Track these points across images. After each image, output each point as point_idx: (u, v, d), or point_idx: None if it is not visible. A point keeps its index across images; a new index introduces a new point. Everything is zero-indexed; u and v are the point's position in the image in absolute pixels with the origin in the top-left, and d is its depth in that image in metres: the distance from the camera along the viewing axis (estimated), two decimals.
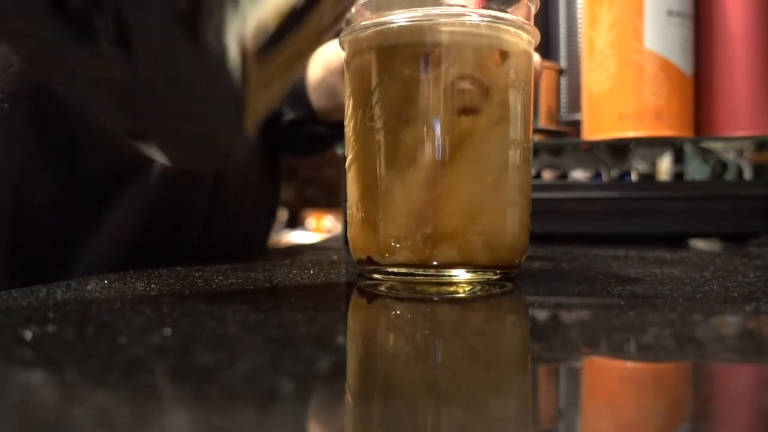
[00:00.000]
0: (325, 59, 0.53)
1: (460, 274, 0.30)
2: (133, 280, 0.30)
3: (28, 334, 0.19)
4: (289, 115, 0.58)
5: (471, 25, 0.29)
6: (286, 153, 0.64)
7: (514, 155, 0.30)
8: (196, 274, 0.33)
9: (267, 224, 0.65)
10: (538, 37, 0.32)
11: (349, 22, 0.32)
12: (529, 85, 0.31)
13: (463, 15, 0.29)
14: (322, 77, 0.54)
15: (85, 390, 0.14)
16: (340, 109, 0.54)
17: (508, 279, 0.31)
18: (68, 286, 0.27)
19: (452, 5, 0.29)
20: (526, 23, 0.30)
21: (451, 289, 0.28)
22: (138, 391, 0.14)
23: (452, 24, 0.29)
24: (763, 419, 0.14)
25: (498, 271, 0.30)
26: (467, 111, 0.29)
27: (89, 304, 0.24)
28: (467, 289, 0.28)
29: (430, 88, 0.29)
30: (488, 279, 0.30)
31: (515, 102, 0.30)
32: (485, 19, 0.29)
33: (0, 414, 0.12)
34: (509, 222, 0.30)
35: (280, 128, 0.59)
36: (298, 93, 0.56)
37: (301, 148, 0.63)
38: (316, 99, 0.56)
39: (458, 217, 0.29)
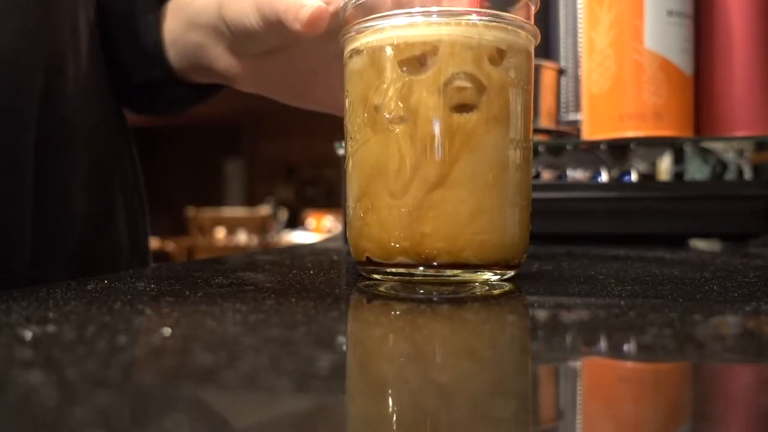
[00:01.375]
0: (187, 14, 0.45)
1: (460, 275, 0.30)
2: (133, 280, 0.30)
3: (28, 334, 0.19)
4: (140, 77, 0.49)
5: (468, 23, 0.29)
6: (140, 113, 0.55)
7: (514, 154, 0.30)
8: (196, 274, 0.33)
9: (132, 208, 0.53)
10: (538, 35, 0.32)
11: (347, 21, 0.32)
12: (529, 85, 0.31)
13: (461, 14, 0.29)
14: (184, 33, 0.46)
15: (85, 390, 0.14)
16: (203, 68, 0.46)
17: (507, 279, 0.31)
18: (68, 286, 0.28)
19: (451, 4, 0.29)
20: (525, 22, 0.30)
21: (451, 289, 0.28)
22: (138, 391, 0.14)
23: (449, 23, 0.29)
24: (763, 419, 0.14)
25: (498, 272, 0.30)
26: (465, 109, 0.29)
27: (89, 304, 0.24)
28: (467, 289, 0.28)
29: (428, 86, 0.29)
30: (488, 279, 0.30)
31: (514, 101, 0.30)
32: (483, 18, 0.29)
33: (0, 414, 0.12)
34: (509, 222, 0.30)
35: (127, 89, 0.50)
36: (152, 52, 0.47)
37: (157, 110, 0.55)
38: (175, 56, 0.47)
39: (457, 216, 0.29)
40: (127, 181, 0.52)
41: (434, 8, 0.29)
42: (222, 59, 0.44)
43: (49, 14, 0.41)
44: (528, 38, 0.31)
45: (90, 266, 0.45)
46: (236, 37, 0.41)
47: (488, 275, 0.30)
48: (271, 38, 0.39)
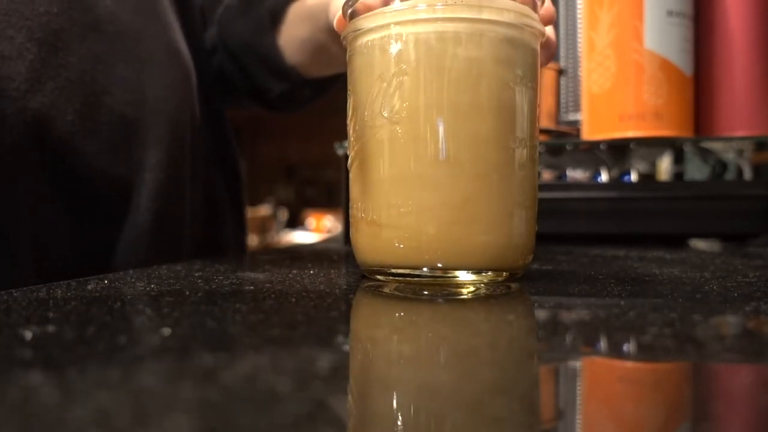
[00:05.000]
0: (311, 19, 0.52)
1: (465, 276, 0.29)
2: (133, 280, 0.30)
3: (28, 334, 0.19)
4: (276, 90, 0.59)
5: (473, 19, 0.29)
6: (278, 112, 0.66)
7: (520, 154, 0.30)
8: (196, 274, 0.33)
9: (238, 217, 0.65)
10: (545, 33, 0.31)
11: (353, 16, 0.32)
12: (534, 83, 0.31)
13: (466, 9, 0.29)
14: (309, 36, 0.53)
15: (85, 390, 0.14)
16: (328, 63, 0.54)
17: (513, 280, 0.31)
18: (68, 286, 0.27)
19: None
20: (532, 19, 0.30)
21: (456, 290, 0.28)
22: (138, 391, 0.14)
23: (453, 19, 0.29)
24: (763, 419, 0.14)
25: (504, 273, 0.30)
26: (472, 107, 0.29)
27: (89, 304, 0.24)
28: (471, 290, 0.28)
29: (431, 84, 0.29)
30: (493, 280, 0.30)
31: (521, 99, 0.30)
32: (489, 14, 0.29)
33: (0, 414, 0.12)
34: (515, 222, 0.30)
35: (267, 98, 0.60)
36: (279, 69, 0.57)
37: (291, 110, 0.65)
38: (304, 56, 0.55)
39: (462, 217, 0.29)
40: (231, 191, 0.63)
41: (438, 4, 0.29)
42: (340, 54, 0.50)
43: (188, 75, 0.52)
44: (534, 35, 0.31)
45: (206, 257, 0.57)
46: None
47: (494, 276, 0.30)
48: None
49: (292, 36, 0.55)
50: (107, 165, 0.44)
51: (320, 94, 0.62)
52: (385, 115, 0.29)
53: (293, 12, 0.55)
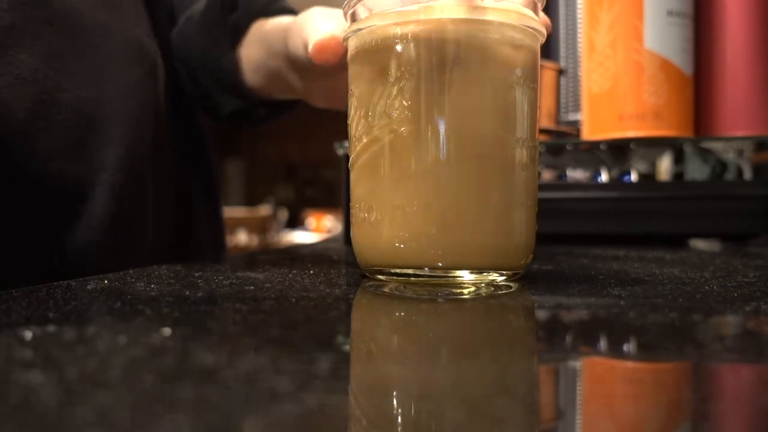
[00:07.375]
0: (266, 44, 0.50)
1: (466, 276, 0.29)
2: (133, 280, 0.30)
3: (28, 334, 0.19)
4: (228, 107, 0.56)
5: (475, 20, 0.29)
6: (232, 129, 0.64)
7: (521, 154, 0.30)
8: (196, 274, 0.33)
9: (213, 213, 0.63)
10: (545, 33, 0.31)
11: (354, 18, 0.32)
12: (535, 83, 0.31)
13: (467, 10, 0.29)
14: (265, 61, 0.50)
15: (85, 390, 0.14)
16: (283, 88, 0.52)
17: (513, 280, 0.31)
18: (68, 286, 0.27)
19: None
20: (532, 19, 0.30)
21: (456, 290, 0.28)
22: (138, 391, 0.14)
23: (455, 20, 0.29)
24: (763, 419, 0.14)
25: (504, 273, 0.30)
26: (473, 108, 0.29)
27: (89, 304, 0.24)
28: (472, 290, 0.28)
29: (433, 84, 0.29)
30: (494, 280, 0.30)
31: (522, 100, 0.30)
32: (490, 15, 0.29)
33: (0, 414, 0.12)
34: (515, 222, 0.30)
35: (219, 114, 0.58)
36: (235, 88, 0.54)
37: (245, 127, 0.62)
38: (260, 79, 0.53)
39: (464, 217, 0.29)
40: (207, 189, 0.62)
41: (439, 4, 0.29)
42: (296, 81, 0.49)
43: (154, 72, 0.52)
44: (534, 36, 0.31)
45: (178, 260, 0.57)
46: (298, 65, 0.46)
47: (494, 276, 0.30)
48: (318, 66, 0.41)
49: (248, 57, 0.53)
50: (62, 165, 0.43)
51: (278, 114, 0.59)
52: (393, 115, 0.29)
53: (252, 33, 0.53)
